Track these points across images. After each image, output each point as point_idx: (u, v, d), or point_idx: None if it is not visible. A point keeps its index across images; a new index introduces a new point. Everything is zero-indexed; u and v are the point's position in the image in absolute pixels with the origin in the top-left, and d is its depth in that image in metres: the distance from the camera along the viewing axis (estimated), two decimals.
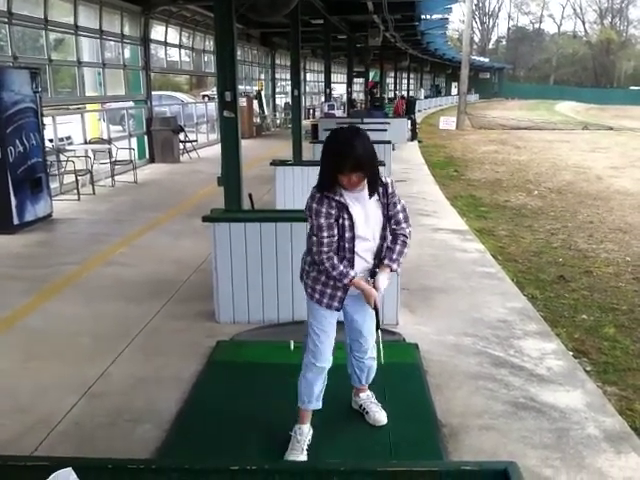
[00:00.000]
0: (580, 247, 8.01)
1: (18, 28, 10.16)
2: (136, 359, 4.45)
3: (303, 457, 3.16)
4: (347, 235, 2.96)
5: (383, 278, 3.06)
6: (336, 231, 2.95)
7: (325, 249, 2.97)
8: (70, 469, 1.76)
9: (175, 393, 3.94)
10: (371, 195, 2.97)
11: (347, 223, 2.93)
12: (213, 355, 4.46)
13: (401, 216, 3.10)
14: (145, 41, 14.65)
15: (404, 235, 3.11)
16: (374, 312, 3.10)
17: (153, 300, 5.55)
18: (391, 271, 3.09)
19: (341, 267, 2.98)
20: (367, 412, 3.51)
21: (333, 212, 2.92)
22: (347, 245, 2.98)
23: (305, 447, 3.21)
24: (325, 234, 2.95)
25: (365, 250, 3.04)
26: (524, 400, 3.84)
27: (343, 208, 2.91)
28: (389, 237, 3.11)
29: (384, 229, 3.07)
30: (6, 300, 5.63)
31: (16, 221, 8.10)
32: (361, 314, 3.24)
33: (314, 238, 2.99)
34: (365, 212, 2.98)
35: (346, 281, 3.00)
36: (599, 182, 13.50)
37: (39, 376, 4.19)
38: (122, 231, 8.17)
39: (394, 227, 3.10)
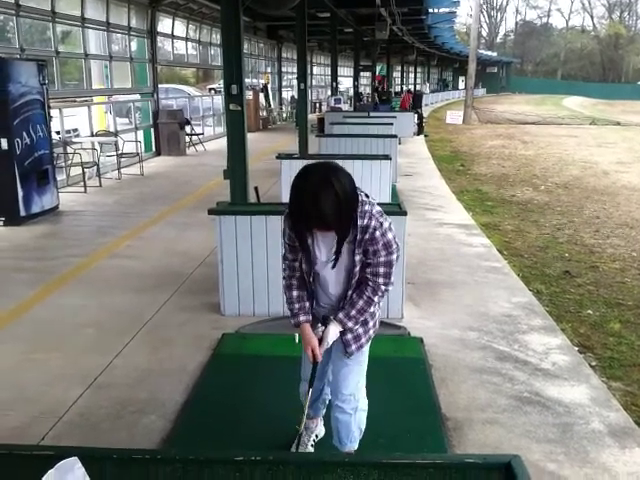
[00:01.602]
0: (586, 242, 7.98)
1: (25, 20, 10.17)
2: (141, 351, 4.47)
3: (309, 450, 3.14)
4: (304, 267, 2.64)
5: (334, 330, 2.67)
6: (299, 257, 2.64)
7: (287, 272, 2.71)
8: (75, 458, 1.76)
9: (180, 385, 3.95)
10: (339, 246, 2.50)
11: (303, 255, 2.61)
12: (218, 347, 4.48)
13: (381, 270, 2.59)
14: (152, 34, 14.65)
15: (374, 290, 2.62)
16: (312, 365, 2.73)
17: (159, 292, 5.57)
18: (343, 328, 2.69)
19: (295, 305, 2.71)
20: None
21: (294, 236, 2.57)
22: (305, 277, 2.68)
23: (310, 441, 3.20)
24: (289, 256, 2.68)
25: (326, 289, 2.71)
26: (528, 394, 3.84)
27: (302, 239, 2.54)
28: (357, 285, 2.67)
29: (350, 274, 2.62)
30: (12, 291, 5.66)
31: (23, 213, 8.14)
32: (338, 355, 2.84)
33: (282, 259, 2.76)
34: (329, 249, 2.57)
35: (292, 322, 2.73)
36: (606, 177, 13.45)
37: (45, 367, 4.22)
38: (128, 223, 8.20)
39: (368, 276, 2.60)
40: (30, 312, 5.21)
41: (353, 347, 2.75)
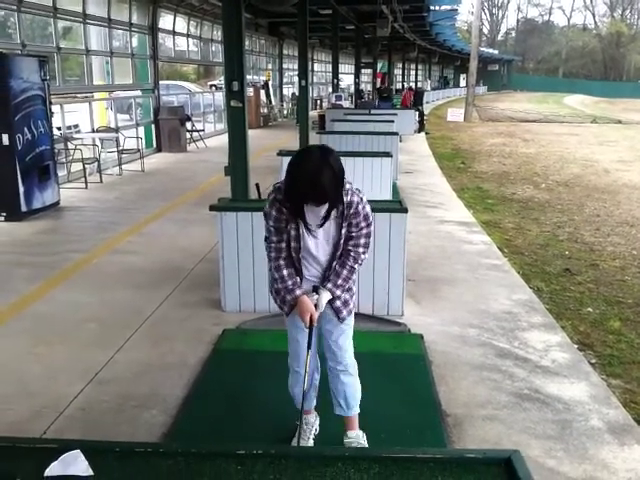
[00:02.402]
0: (586, 240, 7.99)
1: (27, 16, 10.17)
2: (143, 346, 4.48)
3: (310, 445, 3.17)
4: (293, 244, 2.84)
5: (325, 297, 2.92)
6: (285, 237, 2.83)
7: (273, 254, 2.88)
8: (78, 451, 1.78)
9: (181, 380, 3.97)
10: (328, 213, 2.74)
11: (293, 233, 2.81)
12: (219, 343, 4.49)
13: (362, 241, 2.88)
14: (153, 30, 14.64)
15: (354, 260, 2.89)
16: (307, 330, 2.94)
17: (160, 288, 5.58)
18: (332, 296, 2.93)
19: (289, 282, 2.89)
20: None
21: (283, 217, 2.78)
22: (293, 254, 2.87)
23: (311, 436, 3.23)
24: (274, 238, 2.85)
25: (313, 262, 2.93)
26: (528, 391, 3.85)
27: (293, 217, 2.77)
28: (340, 255, 2.92)
29: (336, 247, 2.87)
30: (14, 286, 5.67)
31: (24, 208, 8.15)
32: (332, 323, 3.06)
33: (265, 243, 2.92)
34: (317, 223, 2.80)
35: (289, 298, 2.92)
36: (607, 175, 13.45)
37: (47, 362, 4.23)
38: (129, 219, 8.20)
39: (349, 248, 2.88)
40: (31, 307, 5.22)
41: (344, 312, 3.02)
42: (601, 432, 3.43)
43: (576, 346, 4.65)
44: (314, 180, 2.54)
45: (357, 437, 3.17)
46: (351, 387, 3.13)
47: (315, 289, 2.93)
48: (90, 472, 1.73)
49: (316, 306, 2.91)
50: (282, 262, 2.88)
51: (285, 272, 2.89)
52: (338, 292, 2.93)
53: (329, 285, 2.91)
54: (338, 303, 2.98)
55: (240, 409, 3.62)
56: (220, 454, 1.78)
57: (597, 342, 4.85)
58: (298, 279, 2.92)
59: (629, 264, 6.98)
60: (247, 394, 3.79)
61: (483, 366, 4.19)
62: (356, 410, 3.18)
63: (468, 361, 4.26)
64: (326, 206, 2.69)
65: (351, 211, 2.77)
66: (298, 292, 2.89)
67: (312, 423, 3.26)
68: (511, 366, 4.19)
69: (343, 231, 2.82)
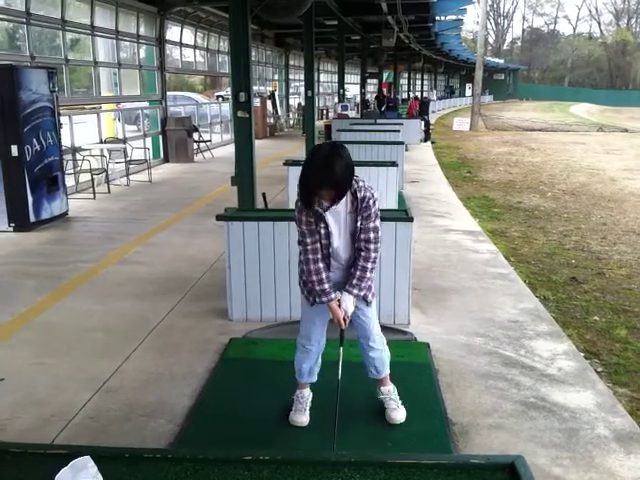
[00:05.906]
0: (593, 249, 7.98)
1: (36, 28, 10.28)
2: (150, 355, 4.51)
3: (306, 417, 3.47)
4: (323, 242, 3.17)
5: (348, 300, 3.22)
6: (318, 237, 3.16)
7: (311, 256, 3.18)
8: (88, 457, 1.81)
9: (188, 389, 3.99)
10: (334, 203, 3.08)
11: (323, 231, 3.14)
12: (226, 352, 4.51)
13: (371, 235, 3.17)
14: (160, 41, 14.77)
15: (366, 259, 3.18)
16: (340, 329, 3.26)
17: (167, 298, 5.61)
18: (353, 295, 3.24)
19: (326, 286, 3.19)
20: (385, 408, 3.55)
21: (312, 220, 3.13)
22: (324, 250, 3.19)
23: (307, 407, 3.50)
24: (309, 240, 3.17)
25: (337, 255, 3.24)
26: (534, 400, 3.85)
27: (320, 217, 3.11)
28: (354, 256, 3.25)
29: (354, 238, 3.20)
30: (22, 296, 5.71)
31: (32, 219, 8.21)
32: (362, 311, 3.38)
33: (300, 246, 3.22)
34: (339, 222, 3.17)
35: (324, 299, 3.21)
36: (613, 184, 13.43)
37: (54, 371, 4.26)
38: (136, 230, 8.25)
39: (361, 245, 3.18)
40: (40, 317, 5.26)
41: (370, 296, 3.35)
42: (607, 440, 3.42)
43: (582, 354, 4.65)
44: (325, 164, 2.89)
45: (389, 392, 3.57)
46: (379, 359, 3.50)
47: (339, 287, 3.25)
48: (100, 477, 1.75)
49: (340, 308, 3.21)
50: (321, 265, 3.18)
51: (324, 275, 3.19)
52: (355, 291, 3.22)
53: (347, 287, 3.23)
54: (362, 293, 3.27)
55: (247, 418, 3.63)
56: (227, 460, 1.80)
57: (603, 350, 4.85)
58: (332, 282, 3.22)
59: (636, 272, 6.97)
60: (254, 403, 3.80)
61: (489, 375, 4.19)
62: (386, 372, 3.56)
63: (474, 370, 4.27)
64: (341, 211, 3.09)
65: (363, 205, 3.10)
66: (333, 295, 3.20)
67: (306, 397, 3.53)
68: (517, 374, 4.19)
69: (358, 224, 3.14)
